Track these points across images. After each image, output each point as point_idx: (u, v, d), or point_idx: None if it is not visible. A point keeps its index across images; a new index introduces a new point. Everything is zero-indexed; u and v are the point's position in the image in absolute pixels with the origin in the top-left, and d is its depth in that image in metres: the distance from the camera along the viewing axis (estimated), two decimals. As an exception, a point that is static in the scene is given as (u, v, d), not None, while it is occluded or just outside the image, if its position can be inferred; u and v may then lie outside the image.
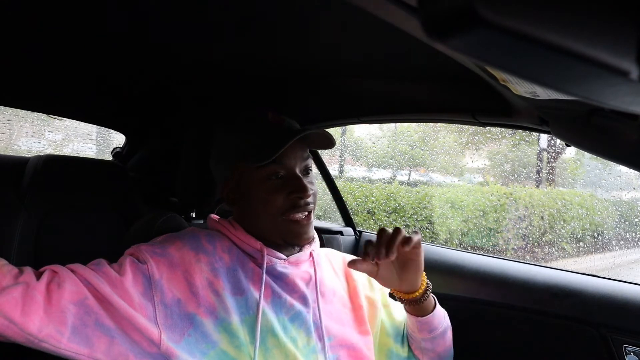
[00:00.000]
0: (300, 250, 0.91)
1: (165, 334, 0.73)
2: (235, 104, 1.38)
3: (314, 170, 1.11)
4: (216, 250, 0.84)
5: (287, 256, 0.88)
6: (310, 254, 0.92)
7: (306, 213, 0.86)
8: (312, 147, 0.92)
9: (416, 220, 3.86)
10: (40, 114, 2.16)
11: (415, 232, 0.82)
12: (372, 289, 1.01)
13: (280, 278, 0.86)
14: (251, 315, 0.80)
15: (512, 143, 3.97)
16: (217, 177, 0.95)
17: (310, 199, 0.86)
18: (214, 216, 0.94)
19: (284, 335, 0.81)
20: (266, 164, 0.84)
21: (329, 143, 0.90)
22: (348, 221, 1.70)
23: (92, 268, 0.75)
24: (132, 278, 0.75)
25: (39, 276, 0.71)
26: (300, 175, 0.87)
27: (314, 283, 0.89)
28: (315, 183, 0.91)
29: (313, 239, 0.91)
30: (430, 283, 0.91)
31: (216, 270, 0.81)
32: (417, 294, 0.88)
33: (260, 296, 0.81)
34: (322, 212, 3.11)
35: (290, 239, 0.86)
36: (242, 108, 0.96)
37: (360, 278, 1.00)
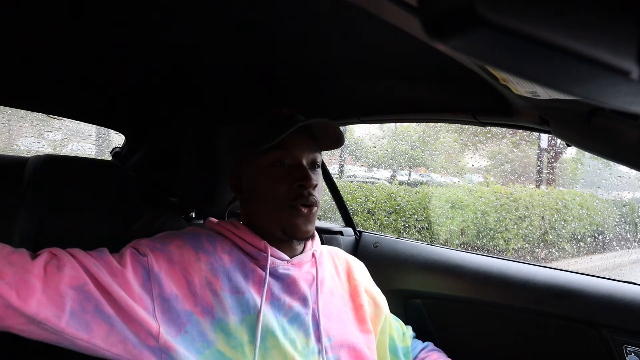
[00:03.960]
0: (303, 251, 0.91)
1: (164, 328, 0.73)
2: (235, 104, 1.38)
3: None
4: (216, 251, 0.84)
5: (290, 257, 0.88)
6: (313, 255, 0.92)
7: (309, 206, 0.84)
8: (320, 145, 0.91)
9: (416, 220, 3.85)
10: (40, 114, 2.16)
11: None
12: (375, 291, 1.01)
13: (281, 279, 0.85)
14: (251, 315, 0.79)
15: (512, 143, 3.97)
16: (225, 169, 0.94)
17: (314, 191, 0.84)
18: (213, 219, 0.93)
19: (282, 336, 0.80)
20: (272, 150, 0.83)
21: (338, 140, 0.89)
22: (348, 221, 1.70)
23: (93, 256, 0.75)
24: (132, 269, 0.75)
25: (35, 258, 0.70)
26: (307, 166, 0.86)
27: (315, 284, 0.89)
28: (322, 181, 0.90)
29: (313, 236, 0.90)
30: None
31: (215, 270, 0.81)
32: None
33: (262, 297, 0.80)
34: (322, 212, 3.11)
35: (290, 231, 0.84)
36: (242, 108, 0.97)
37: (362, 279, 1.00)
